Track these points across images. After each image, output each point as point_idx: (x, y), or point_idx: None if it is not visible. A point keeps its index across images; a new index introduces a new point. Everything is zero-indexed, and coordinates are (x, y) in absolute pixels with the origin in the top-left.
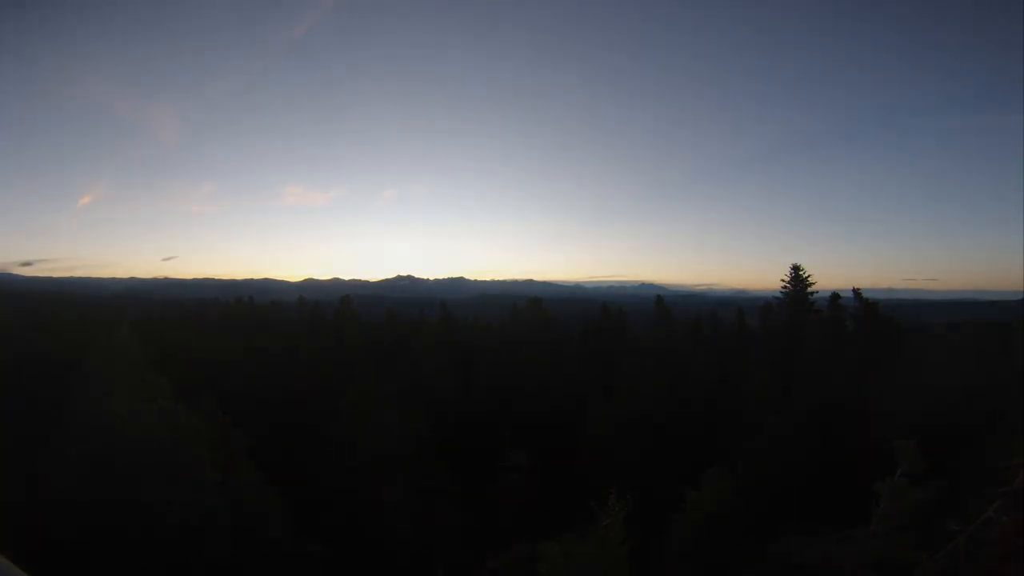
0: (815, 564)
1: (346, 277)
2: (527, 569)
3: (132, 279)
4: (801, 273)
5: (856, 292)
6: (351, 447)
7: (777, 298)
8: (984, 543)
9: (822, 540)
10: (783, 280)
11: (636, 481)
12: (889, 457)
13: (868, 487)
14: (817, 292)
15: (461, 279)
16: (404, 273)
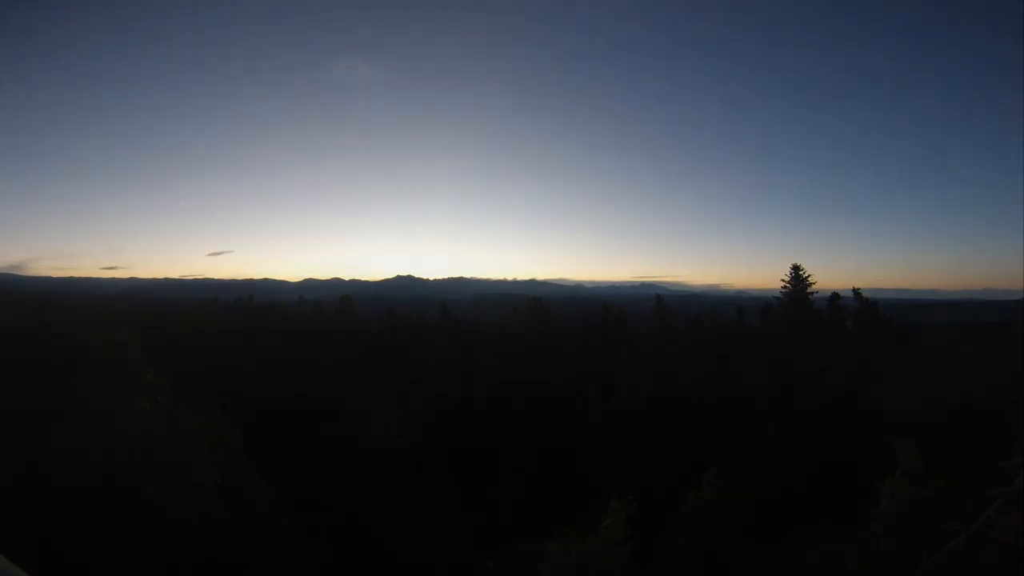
0: (815, 564)
1: (346, 277)
2: (528, 569)
3: (132, 279)
4: (801, 273)
5: (856, 292)
6: (351, 447)
7: (777, 298)
8: (984, 543)
9: (822, 540)
10: (783, 280)
11: (636, 481)
12: (889, 457)
13: (868, 487)
14: (817, 292)
15: (461, 279)
16: (404, 273)
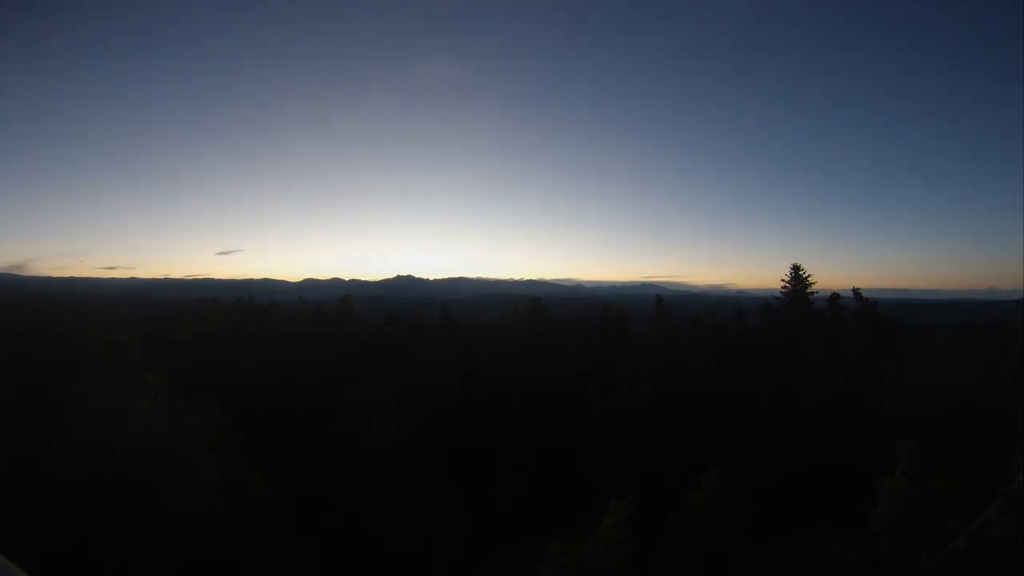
0: (814, 564)
1: (346, 277)
2: (528, 569)
3: (132, 279)
4: (801, 273)
5: (856, 292)
6: (351, 447)
7: (777, 298)
8: (984, 543)
9: (821, 540)
10: (783, 280)
11: (636, 481)
12: (889, 457)
13: (868, 487)
14: (817, 292)
15: (461, 279)
16: (404, 273)
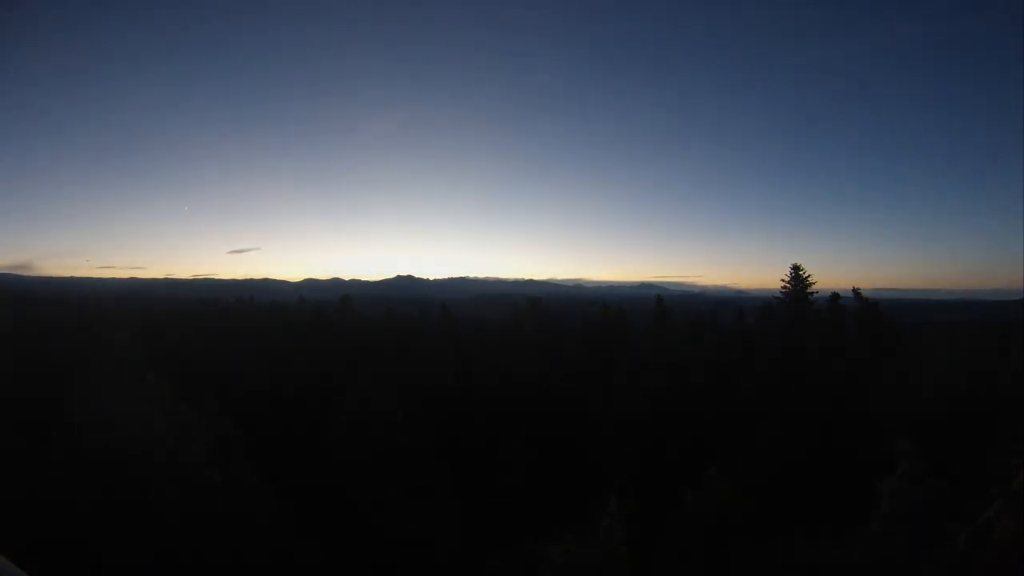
0: (815, 564)
1: (346, 277)
2: (528, 569)
3: (132, 279)
4: (801, 273)
5: (856, 292)
6: (351, 446)
7: (777, 298)
8: (984, 543)
9: (822, 540)
10: (783, 280)
11: (637, 480)
12: (889, 457)
13: (868, 487)
14: (817, 292)
15: (461, 279)
16: (404, 273)
